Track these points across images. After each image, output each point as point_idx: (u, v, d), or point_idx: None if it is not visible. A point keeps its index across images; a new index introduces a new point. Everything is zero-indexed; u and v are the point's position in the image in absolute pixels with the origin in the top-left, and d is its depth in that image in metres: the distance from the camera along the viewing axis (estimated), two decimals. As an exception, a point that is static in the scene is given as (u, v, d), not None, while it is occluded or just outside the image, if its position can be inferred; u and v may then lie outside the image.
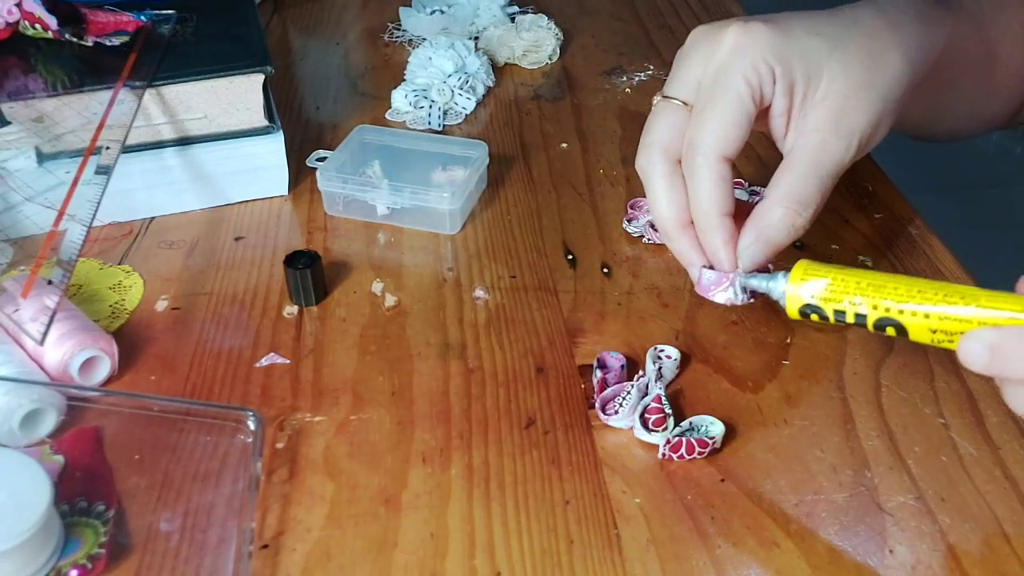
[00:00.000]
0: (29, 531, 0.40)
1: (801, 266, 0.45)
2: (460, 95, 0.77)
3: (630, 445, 0.48)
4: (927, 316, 0.41)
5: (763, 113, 0.49)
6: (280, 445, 0.48)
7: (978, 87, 0.61)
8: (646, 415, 0.48)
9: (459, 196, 0.63)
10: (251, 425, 0.47)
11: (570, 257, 0.62)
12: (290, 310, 0.57)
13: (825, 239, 0.62)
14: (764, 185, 0.49)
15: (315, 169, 0.65)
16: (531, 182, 0.69)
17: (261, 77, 0.64)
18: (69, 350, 0.50)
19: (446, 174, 0.66)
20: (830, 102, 0.48)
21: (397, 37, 0.89)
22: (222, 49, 0.65)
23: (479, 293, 0.58)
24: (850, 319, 0.43)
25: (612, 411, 0.49)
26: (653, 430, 0.48)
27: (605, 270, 0.60)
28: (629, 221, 0.64)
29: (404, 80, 0.79)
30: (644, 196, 0.52)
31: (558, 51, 0.85)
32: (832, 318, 0.44)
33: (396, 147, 0.68)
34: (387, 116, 0.76)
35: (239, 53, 0.65)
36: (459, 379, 0.52)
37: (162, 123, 0.63)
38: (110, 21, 0.66)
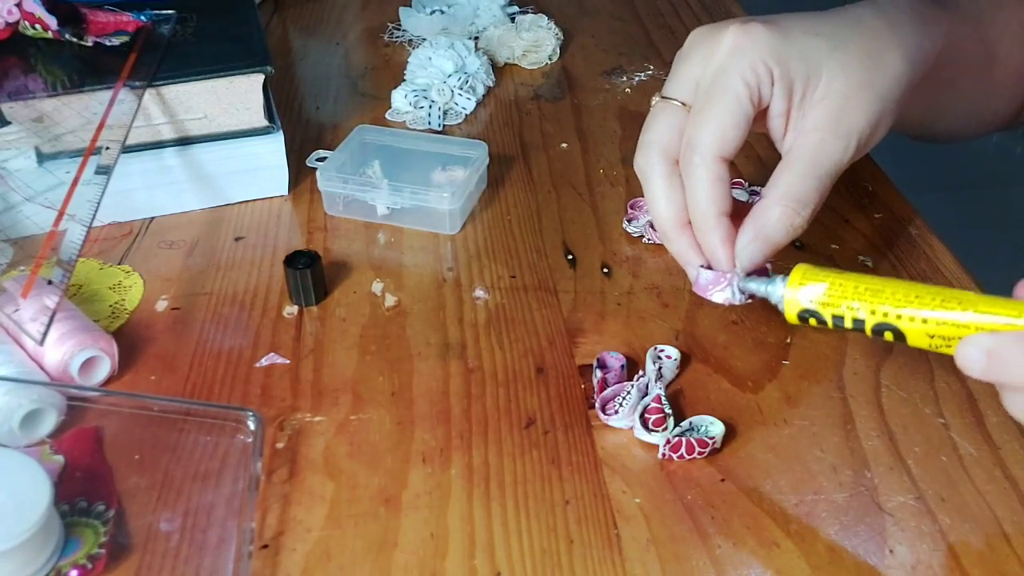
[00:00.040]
0: (29, 531, 0.40)
1: (799, 270, 0.45)
2: (460, 95, 0.77)
3: (630, 445, 0.48)
4: (925, 321, 0.41)
5: (762, 114, 0.49)
6: (280, 445, 0.48)
7: (977, 86, 0.61)
8: (646, 415, 0.48)
9: (459, 196, 0.63)
10: (251, 425, 0.47)
11: (570, 257, 0.62)
12: (290, 310, 0.57)
13: (825, 239, 0.62)
14: (764, 185, 0.49)
15: (315, 169, 0.65)
16: (531, 182, 0.69)
17: (261, 77, 0.64)
18: (69, 350, 0.50)
19: (446, 174, 0.66)
20: (829, 102, 0.48)
21: (397, 37, 0.89)
22: (222, 49, 0.65)
23: (479, 293, 0.58)
24: (848, 324, 0.43)
25: (612, 411, 0.49)
26: (653, 430, 0.48)
27: (605, 270, 0.60)
28: (629, 221, 0.64)
29: (404, 80, 0.79)
30: (644, 196, 0.52)
31: (558, 51, 0.85)
32: (830, 323, 0.44)
33: (396, 147, 0.68)
34: (387, 116, 0.76)
35: (239, 53, 0.65)
36: (459, 379, 0.52)
37: (162, 123, 0.63)
38: (110, 21, 0.66)
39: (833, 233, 0.63)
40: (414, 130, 0.74)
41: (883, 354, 0.53)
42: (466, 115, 0.77)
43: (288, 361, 0.53)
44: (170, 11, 0.69)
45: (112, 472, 0.46)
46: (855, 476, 0.47)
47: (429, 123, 0.75)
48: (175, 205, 0.65)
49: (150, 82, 0.62)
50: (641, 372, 0.52)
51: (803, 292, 0.44)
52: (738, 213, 0.48)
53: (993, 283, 0.56)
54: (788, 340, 0.55)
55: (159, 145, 0.64)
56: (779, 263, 0.60)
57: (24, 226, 0.60)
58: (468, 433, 0.49)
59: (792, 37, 0.48)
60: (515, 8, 0.90)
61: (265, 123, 0.65)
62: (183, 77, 0.63)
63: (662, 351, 0.53)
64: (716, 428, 0.48)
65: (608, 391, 0.50)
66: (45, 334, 0.49)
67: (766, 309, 0.56)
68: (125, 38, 0.66)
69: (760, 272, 0.49)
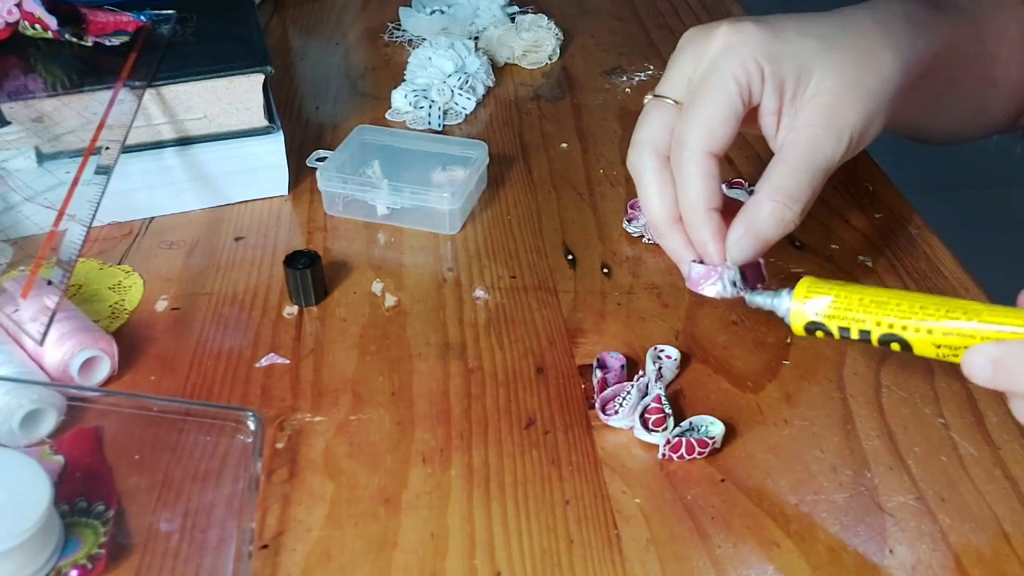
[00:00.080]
0: (29, 531, 0.40)
1: (804, 283, 0.45)
2: (460, 95, 0.77)
3: (630, 445, 0.48)
4: (930, 332, 0.41)
5: (755, 113, 0.49)
6: (280, 445, 0.48)
7: (978, 88, 0.61)
8: (646, 415, 0.48)
9: (459, 196, 0.63)
10: (251, 425, 0.47)
11: (570, 257, 0.62)
12: (290, 310, 0.57)
13: (825, 239, 0.62)
14: (764, 185, 0.49)
15: (315, 169, 0.65)
16: (531, 182, 0.69)
17: (261, 77, 0.64)
18: (69, 350, 0.50)
19: (446, 174, 0.66)
20: (821, 99, 0.48)
21: (397, 37, 0.89)
22: (222, 49, 0.65)
23: (479, 293, 0.58)
24: (854, 335, 0.43)
25: (612, 411, 0.49)
26: (653, 430, 0.48)
27: (605, 270, 0.60)
28: (629, 221, 0.64)
29: (404, 80, 0.79)
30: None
31: (558, 51, 0.85)
32: (837, 334, 0.44)
33: (396, 147, 0.68)
34: (387, 116, 0.76)
35: (239, 53, 0.65)
36: (459, 379, 0.52)
37: (162, 123, 0.63)
38: (110, 21, 0.66)
39: (833, 233, 0.63)
40: (414, 130, 0.74)
41: (883, 354, 0.53)
42: (466, 115, 0.77)
43: (288, 361, 0.53)
44: (170, 11, 0.69)
45: (112, 472, 0.46)
46: (855, 476, 0.47)
47: (429, 123, 0.75)
48: (175, 205, 0.65)
49: (150, 82, 0.62)
50: (641, 372, 0.52)
51: (809, 305, 0.44)
52: (734, 211, 0.48)
53: (993, 283, 0.56)
54: (788, 340, 0.54)
55: (159, 145, 0.64)
56: (778, 263, 0.60)
57: (24, 226, 0.60)
58: (468, 433, 0.49)
59: (784, 36, 0.48)
60: (515, 8, 0.90)
61: (265, 123, 0.65)
62: (183, 77, 0.63)
63: (662, 351, 0.53)
64: (716, 428, 0.48)
65: (608, 391, 0.50)
66: (45, 334, 0.49)
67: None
68: (125, 38, 0.66)
69: (753, 267, 0.49)
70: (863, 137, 0.49)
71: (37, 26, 0.64)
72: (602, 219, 0.65)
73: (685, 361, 0.53)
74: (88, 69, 0.63)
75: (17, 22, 0.64)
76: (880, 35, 0.50)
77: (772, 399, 0.51)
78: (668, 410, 0.48)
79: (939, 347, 0.41)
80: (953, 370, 0.52)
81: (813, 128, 0.48)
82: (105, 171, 0.57)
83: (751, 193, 0.65)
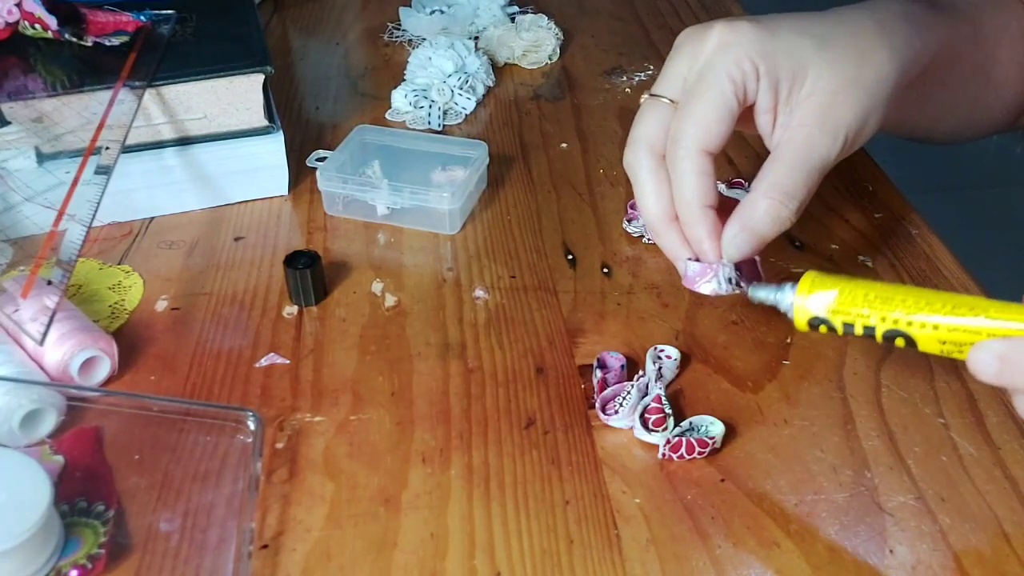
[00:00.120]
0: (29, 531, 0.40)
1: (809, 278, 0.45)
2: (460, 95, 0.77)
3: (630, 445, 0.48)
4: (936, 328, 0.41)
5: (751, 112, 0.49)
6: (280, 445, 0.48)
7: (977, 88, 0.61)
8: (646, 415, 0.48)
9: (459, 196, 0.63)
10: (251, 425, 0.47)
11: (570, 257, 0.62)
12: (290, 310, 0.57)
13: (825, 239, 0.62)
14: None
15: (315, 169, 0.65)
16: (531, 182, 0.69)
17: (261, 77, 0.64)
18: (69, 350, 0.50)
19: (446, 174, 0.66)
20: (816, 98, 0.48)
21: (397, 37, 0.89)
22: (222, 49, 0.65)
23: (479, 293, 0.58)
24: (859, 331, 0.43)
25: (612, 411, 0.49)
26: (653, 430, 0.48)
27: (605, 270, 0.60)
28: (629, 221, 0.64)
29: (404, 80, 0.79)
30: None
31: (558, 51, 0.85)
32: (841, 330, 0.44)
33: (396, 147, 0.68)
34: (387, 116, 0.76)
35: (239, 53, 0.65)
36: (459, 379, 0.52)
37: (162, 123, 0.63)
38: (110, 21, 0.66)
39: (833, 233, 0.63)
40: (414, 130, 0.74)
41: (883, 354, 0.53)
42: (466, 115, 0.77)
43: (288, 361, 0.53)
44: (170, 11, 0.69)
45: (112, 472, 0.46)
46: (855, 476, 0.47)
47: (429, 123, 0.75)
48: (175, 205, 0.65)
49: (150, 82, 0.62)
50: (641, 372, 0.52)
51: (813, 300, 0.44)
52: (731, 210, 0.49)
53: (993, 283, 0.56)
54: (788, 340, 0.54)
55: (159, 145, 0.64)
56: (778, 262, 0.60)
57: (24, 226, 0.60)
58: (468, 433, 0.49)
59: (779, 35, 0.48)
60: (515, 8, 0.90)
61: (265, 123, 0.65)
62: (183, 77, 0.63)
63: (662, 351, 0.53)
64: (716, 428, 0.48)
65: (608, 391, 0.50)
66: (45, 334, 0.49)
67: (766, 309, 0.56)
68: (125, 38, 0.66)
69: (749, 265, 0.49)
70: (859, 136, 0.49)
71: (37, 26, 0.64)
72: (602, 219, 0.65)
73: (685, 361, 0.53)
74: (88, 69, 0.63)
75: (17, 22, 0.64)
76: (877, 34, 0.50)
77: (772, 399, 0.51)
78: (668, 410, 0.48)
79: (944, 343, 0.41)
80: (953, 370, 0.52)
81: (808, 127, 0.48)
82: (105, 171, 0.57)
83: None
